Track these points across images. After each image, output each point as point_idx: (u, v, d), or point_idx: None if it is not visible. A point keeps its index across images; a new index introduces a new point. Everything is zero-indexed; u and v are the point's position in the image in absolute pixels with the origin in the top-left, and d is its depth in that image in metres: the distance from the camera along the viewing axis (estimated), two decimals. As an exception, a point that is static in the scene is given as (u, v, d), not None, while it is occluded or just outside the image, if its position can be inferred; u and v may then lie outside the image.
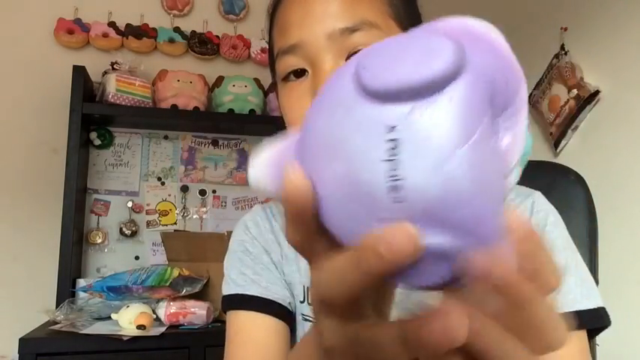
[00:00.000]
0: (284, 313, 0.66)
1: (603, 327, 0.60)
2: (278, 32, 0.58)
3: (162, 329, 1.57)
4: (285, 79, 0.56)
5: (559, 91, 1.54)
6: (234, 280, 0.68)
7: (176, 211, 2.17)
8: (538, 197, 0.63)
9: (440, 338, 0.23)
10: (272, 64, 0.62)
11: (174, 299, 1.64)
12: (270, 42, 0.62)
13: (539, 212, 0.61)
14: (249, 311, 0.65)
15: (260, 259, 0.69)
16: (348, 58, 0.53)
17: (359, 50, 0.51)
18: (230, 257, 0.71)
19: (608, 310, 0.62)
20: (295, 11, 0.55)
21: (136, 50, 2.13)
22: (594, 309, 0.58)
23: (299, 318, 0.67)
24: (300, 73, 0.55)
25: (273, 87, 0.62)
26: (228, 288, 0.69)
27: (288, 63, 0.55)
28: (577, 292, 0.58)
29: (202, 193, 2.21)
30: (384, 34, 0.54)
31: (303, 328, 0.67)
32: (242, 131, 2.25)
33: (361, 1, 0.54)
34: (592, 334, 0.59)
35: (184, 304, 1.64)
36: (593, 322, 0.58)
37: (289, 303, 0.67)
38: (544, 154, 1.62)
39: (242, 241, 0.71)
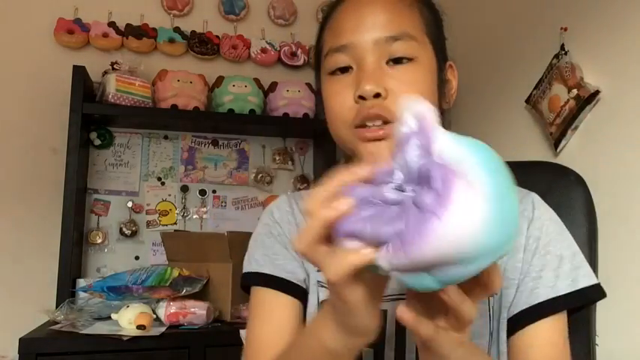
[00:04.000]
0: (298, 292, 0.74)
1: (589, 302, 0.69)
2: (330, 34, 0.69)
3: (162, 329, 1.57)
4: (332, 73, 0.67)
5: (559, 91, 1.54)
6: (257, 260, 0.77)
7: (176, 211, 2.17)
8: (535, 196, 0.72)
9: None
10: (317, 61, 0.73)
11: (174, 299, 1.64)
12: (319, 42, 0.72)
13: (539, 208, 0.70)
14: (268, 289, 0.74)
15: (280, 240, 0.77)
16: (387, 61, 0.65)
17: (397, 57, 0.64)
18: (256, 239, 0.81)
19: (607, 308, 0.69)
20: (349, 19, 0.67)
21: (136, 50, 2.13)
22: (579, 290, 0.66)
23: (313, 287, 0.74)
24: (345, 70, 0.66)
25: (317, 80, 0.73)
26: (249, 266, 0.79)
27: (338, 60, 0.66)
28: (568, 278, 0.66)
29: (202, 193, 2.21)
30: (419, 45, 0.66)
31: (318, 293, 0.74)
32: (242, 131, 2.25)
33: (404, 16, 0.66)
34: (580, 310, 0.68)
35: (184, 304, 1.64)
36: (575, 302, 0.66)
37: (304, 280, 0.75)
38: (544, 154, 1.62)
39: (266, 224, 0.80)
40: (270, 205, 0.83)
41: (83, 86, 1.88)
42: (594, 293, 0.66)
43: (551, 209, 0.71)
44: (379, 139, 0.63)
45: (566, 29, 1.57)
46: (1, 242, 1.96)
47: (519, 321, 0.65)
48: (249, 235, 2.09)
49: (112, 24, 2.12)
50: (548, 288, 0.65)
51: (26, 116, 2.03)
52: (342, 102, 0.66)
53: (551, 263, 0.66)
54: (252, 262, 0.79)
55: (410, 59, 0.65)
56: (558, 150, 1.56)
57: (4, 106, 2.01)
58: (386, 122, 0.63)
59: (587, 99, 1.45)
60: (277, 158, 2.30)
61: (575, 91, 1.48)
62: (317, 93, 0.73)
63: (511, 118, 1.76)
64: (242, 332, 1.50)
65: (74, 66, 1.88)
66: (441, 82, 0.70)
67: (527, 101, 1.68)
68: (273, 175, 2.28)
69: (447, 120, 0.73)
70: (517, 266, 0.66)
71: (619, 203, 1.35)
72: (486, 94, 1.88)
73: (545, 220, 0.69)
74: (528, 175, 0.95)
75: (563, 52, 1.55)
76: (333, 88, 0.67)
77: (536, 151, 1.65)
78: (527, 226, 0.68)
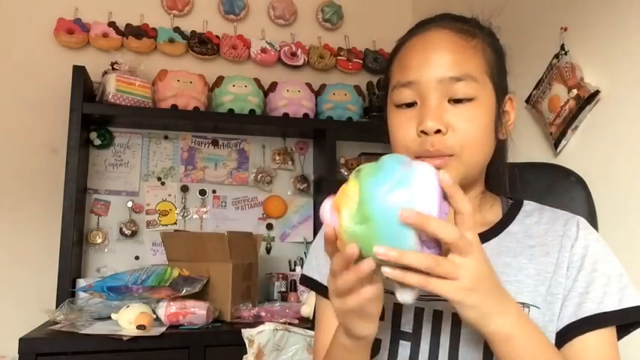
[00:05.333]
0: None
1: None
2: (398, 67, 0.75)
3: (162, 329, 1.57)
4: (399, 106, 0.73)
5: (559, 91, 1.54)
6: (312, 265, 0.86)
7: (176, 211, 2.17)
8: (580, 219, 0.75)
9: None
10: (385, 88, 0.79)
11: (174, 299, 1.64)
12: (388, 72, 0.78)
13: (584, 230, 0.74)
14: (320, 297, 0.83)
15: None
16: (449, 100, 0.70)
17: (457, 97, 0.70)
18: (316, 245, 0.87)
19: None
20: (416, 56, 0.72)
21: (136, 50, 2.13)
22: (625, 308, 0.69)
23: None
24: (410, 104, 0.72)
25: (383, 108, 0.80)
26: (305, 268, 0.87)
27: (404, 95, 0.72)
28: (615, 296, 0.69)
29: (202, 193, 2.21)
30: (480, 86, 0.71)
31: None
32: (242, 131, 2.25)
33: (468, 57, 0.71)
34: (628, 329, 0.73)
35: (184, 304, 1.64)
36: (623, 319, 0.69)
37: None
38: (544, 154, 1.62)
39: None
40: None
41: (83, 86, 1.88)
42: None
43: (596, 232, 0.74)
44: (438, 168, 0.67)
45: (566, 29, 1.57)
46: (1, 242, 1.96)
47: (567, 333, 0.68)
48: (249, 235, 2.09)
49: (112, 24, 2.12)
50: (596, 304, 0.68)
51: (26, 116, 2.03)
52: (404, 133, 0.72)
53: (599, 281, 0.69)
54: (307, 265, 0.88)
55: (470, 99, 0.70)
56: (558, 150, 1.56)
57: (4, 106, 2.01)
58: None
59: (587, 99, 1.45)
60: (277, 158, 2.30)
61: (575, 91, 1.48)
62: (383, 120, 0.79)
63: (511, 118, 1.76)
64: (244, 332, 1.50)
65: (74, 66, 1.88)
66: (499, 116, 0.75)
67: (527, 101, 1.68)
68: (273, 175, 2.28)
69: (505, 148, 0.79)
70: (560, 282, 0.70)
71: (619, 203, 1.35)
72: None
73: (590, 241, 0.72)
74: (528, 175, 0.95)
75: (563, 52, 1.55)
76: (398, 120, 0.73)
77: (536, 151, 1.65)
78: (572, 244, 0.72)
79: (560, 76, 1.54)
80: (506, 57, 0.79)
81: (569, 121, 1.50)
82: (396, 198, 0.53)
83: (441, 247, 0.56)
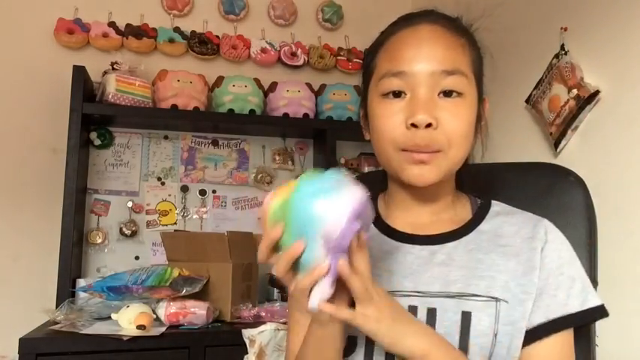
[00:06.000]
0: None
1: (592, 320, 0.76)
2: (387, 57, 0.73)
3: (162, 329, 1.57)
4: (385, 95, 0.72)
5: (559, 91, 1.54)
6: None
7: (176, 211, 2.17)
8: (547, 222, 0.76)
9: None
10: (366, 79, 0.77)
11: (174, 299, 1.64)
12: (371, 61, 0.77)
13: (552, 232, 0.75)
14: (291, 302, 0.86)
15: None
16: (439, 93, 0.70)
17: (448, 90, 0.70)
18: None
19: (607, 308, 0.73)
20: (409, 48, 0.72)
21: (136, 50, 2.13)
22: (587, 309, 0.73)
23: None
24: (398, 94, 0.71)
25: (363, 98, 0.79)
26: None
27: (393, 84, 0.71)
28: (579, 298, 0.73)
29: (202, 193, 2.21)
30: (468, 82, 0.72)
31: None
32: (242, 131, 2.25)
33: (457, 53, 0.72)
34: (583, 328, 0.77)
35: (184, 304, 1.64)
36: (584, 320, 0.73)
37: None
38: (544, 155, 1.62)
39: None
40: None
41: (83, 86, 1.88)
42: (600, 313, 0.74)
43: (562, 234, 0.76)
44: (425, 163, 0.70)
45: (566, 29, 1.57)
46: (1, 242, 1.96)
47: (535, 333, 0.71)
48: (249, 235, 2.08)
49: (112, 24, 2.12)
50: (561, 306, 0.71)
51: (26, 116, 2.03)
52: (393, 125, 0.70)
53: (565, 284, 0.72)
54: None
55: (459, 94, 0.71)
56: (558, 150, 1.56)
57: (4, 106, 2.01)
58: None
59: (587, 99, 1.45)
60: (277, 158, 2.30)
61: (575, 91, 1.48)
62: (363, 104, 0.79)
63: (511, 118, 1.76)
64: (244, 332, 1.50)
65: (74, 66, 1.88)
66: (479, 116, 0.76)
67: (527, 101, 1.68)
68: (273, 175, 2.28)
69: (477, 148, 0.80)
70: (534, 282, 0.72)
71: (619, 203, 1.35)
72: (486, 94, 1.88)
73: (559, 244, 0.75)
74: (528, 175, 0.95)
75: (563, 52, 1.55)
76: (385, 110, 0.72)
77: (536, 151, 1.65)
78: (542, 247, 0.73)
79: (560, 76, 1.54)
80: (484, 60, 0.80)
81: (569, 121, 1.50)
82: (314, 203, 0.57)
83: (346, 253, 0.60)
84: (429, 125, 0.68)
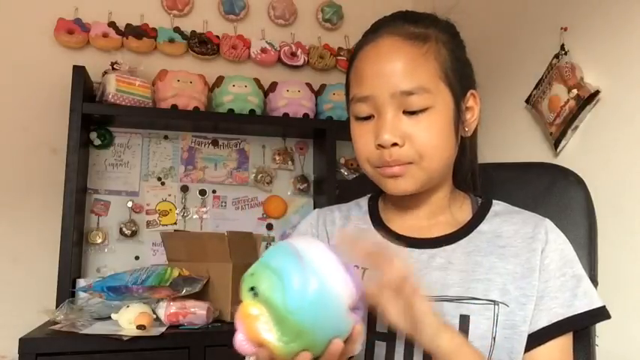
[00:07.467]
0: None
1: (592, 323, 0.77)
2: (355, 79, 0.76)
3: (162, 329, 1.57)
4: (358, 118, 0.76)
5: (559, 91, 1.54)
6: None
7: (176, 211, 2.17)
8: (548, 222, 0.76)
9: None
10: (347, 97, 0.80)
11: (174, 299, 1.64)
12: (348, 83, 0.79)
13: (553, 232, 0.75)
14: None
15: None
16: (404, 112, 0.72)
17: (410, 110, 0.71)
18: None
19: (607, 308, 0.73)
20: (369, 68, 0.74)
21: (136, 50, 2.13)
22: (593, 309, 0.72)
23: None
24: (367, 117, 0.75)
25: (347, 119, 0.82)
26: None
27: (361, 109, 0.75)
28: (585, 298, 0.72)
29: (202, 193, 2.21)
30: (434, 95, 0.72)
31: None
32: (242, 131, 2.25)
33: (420, 67, 0.72)
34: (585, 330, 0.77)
35: (184, 304, 1.64)
36: (590, 321, 0.73)
37: None
38: (544, 155, 1.62)
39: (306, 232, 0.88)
40: (306, 219, 0.91)
41: (83, 86, 1.88)
42: (603, 315, 0.74)
43: (563, 234, 0.76)
44: (398, 176, 0.73)
45: (566, 29, 1.57)
46: (1, 242, 1.96)
47: (539, 337, 0.71)
48: (249, 235, 2.08)
49: (112, 24, 2.12)
50: (566, 307, 0.71)
51: (26, 116, 2.03)
52: (364, 145, 0.75)
53: (569, 284, 0.72)
54: None
55: (424, 109, 0.72)
56: (558, 150, 1.56)
57: (4, 106, 2.01)
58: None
59: (587, 99, 1.45)
60: (277, 158, 2.30)
61: (575, 91, 1.48)
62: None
63: (511, 118, 1.76)
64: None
65: (74, 66, 1.88)
66: (459, 116, 0.75)
67: (527, 101, 1.68)
68: (273, 175, 2.28)
69: (474, 145, 0.81)
70: (534, 284, 0.72)
71: (619, 203, 1.35)
72: (486, 94, 1.88)
73: (560, 244, 0.74)
74: (528, 175, 0.95)
75: (563, 52, 1.55)
76: (358, 132, 0.76)
77: (536, 151, 1.65)
78: (542, 248, 0.73)
79: (560, 76, 1.54)
80: (466, 49, 0.80)
81: (569, 121, 1.50)
82: (312, 295, 0.53)
83: (365, 308, 0.60)
84: (395, 144, 0.71)
